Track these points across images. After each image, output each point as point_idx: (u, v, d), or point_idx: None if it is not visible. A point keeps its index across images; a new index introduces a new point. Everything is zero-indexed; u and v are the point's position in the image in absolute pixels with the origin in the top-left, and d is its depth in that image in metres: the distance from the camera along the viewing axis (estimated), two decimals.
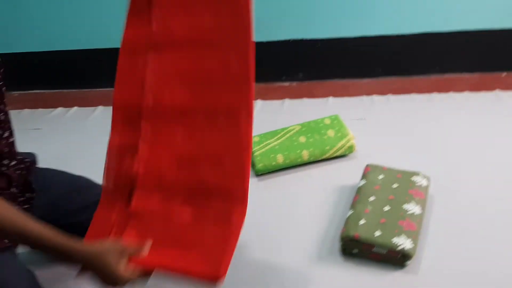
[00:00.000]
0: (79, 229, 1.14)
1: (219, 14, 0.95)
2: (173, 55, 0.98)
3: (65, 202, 1.13)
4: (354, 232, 1.12)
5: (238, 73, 0.92)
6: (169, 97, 0.95)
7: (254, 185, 1.44)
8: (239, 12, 0.94)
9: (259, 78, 2.26)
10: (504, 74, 1.94)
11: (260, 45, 2.08)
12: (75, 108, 1.98)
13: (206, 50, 0.96)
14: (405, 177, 1.29)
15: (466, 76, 1.96)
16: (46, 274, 1.05)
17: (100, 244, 0.82)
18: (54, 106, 2.00)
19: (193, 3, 0.98)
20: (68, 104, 2.00)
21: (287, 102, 1.89)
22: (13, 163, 1.00)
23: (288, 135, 1.54)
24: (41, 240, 0.79)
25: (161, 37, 0.99)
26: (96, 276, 0.81)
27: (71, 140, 1.77)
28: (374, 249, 1.10)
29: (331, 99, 1.88)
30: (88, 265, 0.81)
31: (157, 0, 1.00)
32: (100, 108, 1.95)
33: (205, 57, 0.95)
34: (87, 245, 0.82)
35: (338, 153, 1.51)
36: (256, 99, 1.92)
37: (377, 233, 1.11)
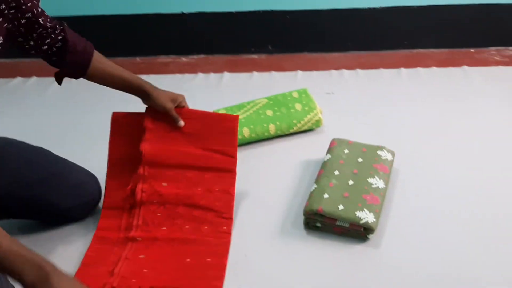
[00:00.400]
0: (38, 202, 1.12)
1: (201, 224, 1.13)
2: (150, 249, 1.09)
3: (24, 174, 1.10)
4: (318, 206, 1.11)
5: (212, 268, 1.04)
6: (135, 282, 1.02)
7: None
8: (219, 230, 1.12)
9: (228, 49, 2.22)
10: (472, 50, 1.96)
11: (229, 16, 2.05)
12: (34, 78, 1.90)
13: (183, 247, 1.09)
14: (370, 151, 1.29)
15: (434, 51, 1.96)
16: None
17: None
18: (12, 76, 1.91)
19: (175, 214, 1.14)
20: (27, 73, 1.91)
21: (256, 74, 1.86)
22: None
23: (255, 108, 1.52)
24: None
25: (142, 233, 1.12)
26: None
27: (30, 111, 1.70)
28: (337, 223, 1.10)
29: (300, 73, 1.86)
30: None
31: (142, 212, 1.14)
32: None
33: (181, 253, 1.08)
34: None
35: (305, 127, 1.49)
36: (224, 71, 1.88)
37: (340, 207, 1.11)
